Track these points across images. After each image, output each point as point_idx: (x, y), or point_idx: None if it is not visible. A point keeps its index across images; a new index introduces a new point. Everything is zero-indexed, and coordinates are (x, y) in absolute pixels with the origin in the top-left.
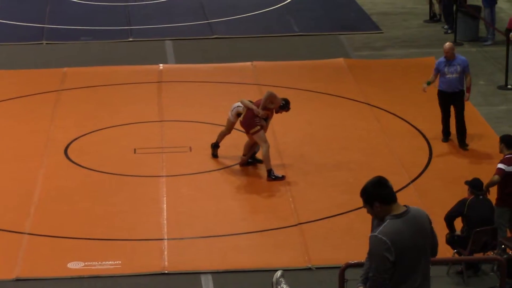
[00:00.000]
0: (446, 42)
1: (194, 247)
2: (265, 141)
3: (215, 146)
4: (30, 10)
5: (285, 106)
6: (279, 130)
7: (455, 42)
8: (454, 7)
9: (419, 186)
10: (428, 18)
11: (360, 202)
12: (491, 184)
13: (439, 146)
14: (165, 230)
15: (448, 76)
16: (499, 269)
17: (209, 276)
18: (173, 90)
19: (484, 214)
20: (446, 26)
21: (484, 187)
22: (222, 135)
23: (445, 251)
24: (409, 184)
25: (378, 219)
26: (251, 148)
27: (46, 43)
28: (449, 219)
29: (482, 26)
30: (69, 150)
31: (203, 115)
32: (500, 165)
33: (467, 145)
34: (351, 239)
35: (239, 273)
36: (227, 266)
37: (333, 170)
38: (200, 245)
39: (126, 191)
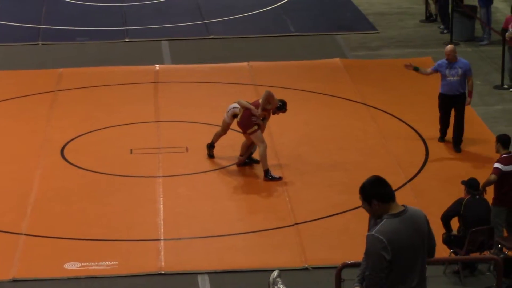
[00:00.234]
0: (444, 42)
1: (191, 248)
2: (262, 141)
3: (210, 147)
4: (26, 10)
5: (282, 107)
6: (276, 131)
7: (451, 42)
8: (450, 7)
9: (415, 186)
10: (424, 18)
11: (357, 202)
12: (488, 183)
13: (436, 146)
14: (162, 230)
15: (449, 78)
16: (496, 269)
17: (206, 277)
18: (170, 91)
19: (480, 214)
20: (442, 26)
21: (480, 187)
22: (217, 136)
23: (441, 250)
24: (405, 184)
25: (375, 218)
26: (248, 149)
27: (42, 44)
28: (446, 219)
29: (478, 26)
30: (65, 151)
31: (200, 115)
32: (497, 165)
33: (460, 150)
34: (347, 239)
35: (236, 273)
36: (224, 266)
37: (330, 170)
38: (197, 246)
39: (123, 191)
